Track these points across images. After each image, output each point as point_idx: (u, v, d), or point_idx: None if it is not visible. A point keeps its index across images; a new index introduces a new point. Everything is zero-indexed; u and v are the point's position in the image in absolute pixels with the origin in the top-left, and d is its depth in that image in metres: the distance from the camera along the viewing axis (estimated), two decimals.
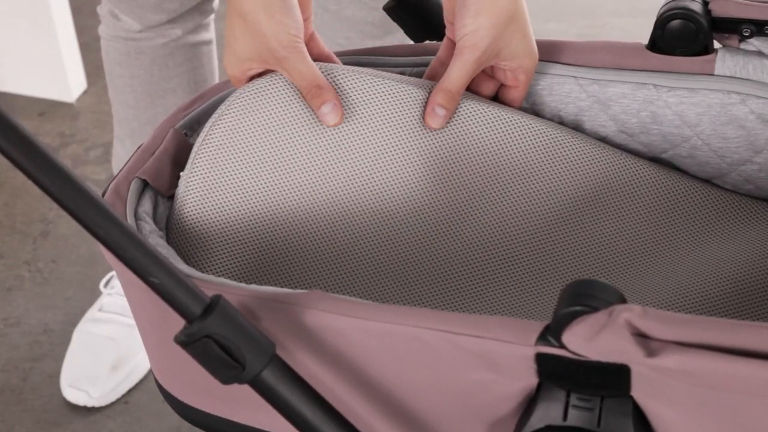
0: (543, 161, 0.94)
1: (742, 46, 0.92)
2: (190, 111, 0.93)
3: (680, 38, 0.92)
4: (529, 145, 0.94)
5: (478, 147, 0.93)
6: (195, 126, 0.92)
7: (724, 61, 0.92)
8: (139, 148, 0.89)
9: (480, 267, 0.92)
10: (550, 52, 0.96)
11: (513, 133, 0.94)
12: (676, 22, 0.91)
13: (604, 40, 0.96)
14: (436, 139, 0.93)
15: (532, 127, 0.94)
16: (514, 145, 0.94)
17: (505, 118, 0.94)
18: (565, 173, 0.94)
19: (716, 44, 0.93)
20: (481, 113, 0.94)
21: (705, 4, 0.92)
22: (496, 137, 0.94)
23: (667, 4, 0.92)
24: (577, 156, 0.95)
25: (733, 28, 0.91)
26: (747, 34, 0.91)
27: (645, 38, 0.95)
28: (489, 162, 0.94)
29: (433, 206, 0.93)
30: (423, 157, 0.93)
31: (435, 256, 0.93)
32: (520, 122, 0.94)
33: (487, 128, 0.94)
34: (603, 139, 0.97)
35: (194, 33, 1.40)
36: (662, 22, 0.92)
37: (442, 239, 0.93)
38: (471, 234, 0.93)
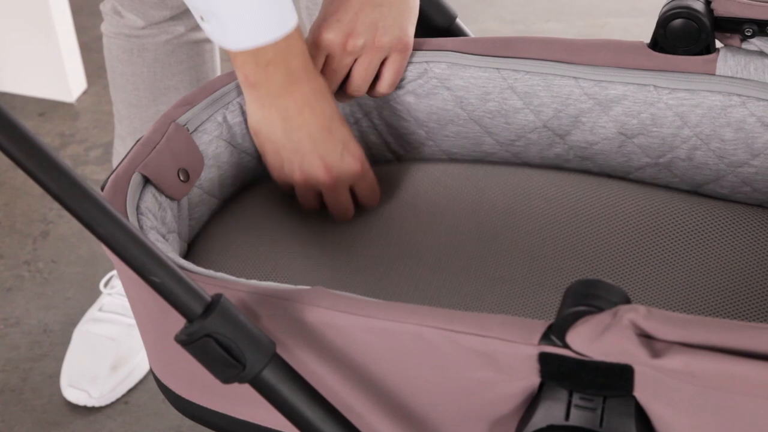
0: (522, 203, 0.97)
1: (744, 45, 0.92)
2: (192, 105, 0.93)
3: (682, 37, 0.92)
4: (508, 191, 0.97)
5: (464, 199, 0.98)
6: (196, 120, 0.92)
7: (726, 60, 0.92)
8: (137, 141, 0.89)
9: (480, 268, 0.92)
10: (550, 50, 0.96)
11: (494, 185, 0.98)
12: (678, 21, 0.91)
13: (605, 39, 0.96)
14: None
15: (513, 174, 0.98)
16: (499, 193, 0.97)
17: (484, 172, 0.98)
18: (543, 204, 0.96)
19: (718, 44, 0.93)
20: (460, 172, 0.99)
21: (707, 3, 0.92)
22: (478, 188, 0.98)
23: (669, 3, 0.92)
24: (555, 190, 0.97)
25: (735, 28, 0.91)
26: (749, 34, 0.91)
27: (645, 38, 0.95)
28: (477, 209, 0.97)
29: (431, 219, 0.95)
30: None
31: (436, 257, 0.93)
32: (502, 173, 0.98)
33: (470, 185, 0.98)
34: (601, 141, 0.96)
35: (197, 30, 1.40)
36: (664, 21, 0.92)
37: (442, 241, 0.94)
38: (470, 238, 0.94)
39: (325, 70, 0.95)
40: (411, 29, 0.96)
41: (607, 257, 0.92)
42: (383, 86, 0.98)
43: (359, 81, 0.96)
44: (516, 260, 0.92)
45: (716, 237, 0.92)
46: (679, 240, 0.92)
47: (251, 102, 0.93)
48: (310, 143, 0.93)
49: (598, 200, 0.95)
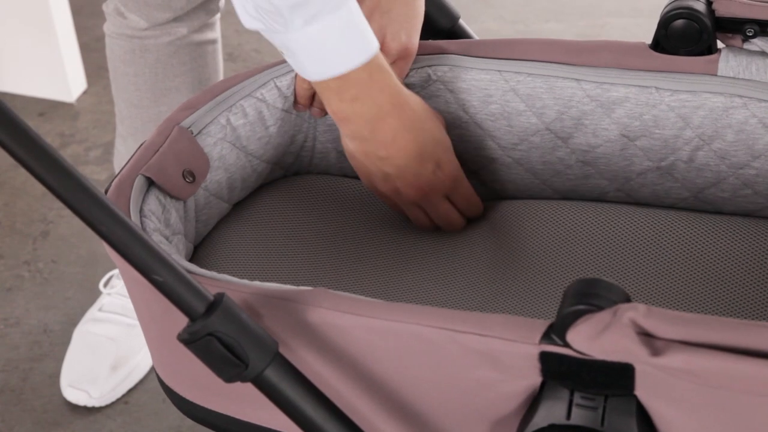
0: (515, 223, 0.98)
1: (746, 46, 0.92)
2: (195, 108, 0.93)
3: (684, 38, 0.91)
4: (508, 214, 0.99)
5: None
6: (200, 123, 0.92)
7: (728, 61, 0.92)
8: (141, 145, 0.89)
9: (484, 283, 0.92)
10: (551, 51, 0.96)
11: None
12: (679, 22, 0.91)
13: (606, 40, 0.96)
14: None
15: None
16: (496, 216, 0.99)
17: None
18: (536, 227, 0.97)
19: (719, 44, 0.93)
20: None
21: (708, 3, 0.92)
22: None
23: (670, 3, 0.92)
24: (546, 210, 0.98)
25: (737, 28, 0.91)
26: (750, 34, 0.91)
27: (645, 38, 0.95)
28: (480, 229, 0.98)
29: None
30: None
31: (433, 260, 0.94)
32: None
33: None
34: (603, 144, 0.96)
35: (199, 32, 1.40)
36: (666, 22, 0.92)
37: (448, 256, 0.94)
38: (475, 253, 0.95)
39: None
40: (416, 36, 0.96)
41: (607, 271, 0.92)
42: None
43: None
44: (518, 276, 0.92)
45: (714, 249, 0.92)
46: (678, 253, 0.92)
47: (344, 134, 0.93)
48: (398, 172, 0.93)
49: (596, 219, 0.96)
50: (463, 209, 0.98)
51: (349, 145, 0.94)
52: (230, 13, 2.44)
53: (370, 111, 0.90)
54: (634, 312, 0.62)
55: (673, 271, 0.91)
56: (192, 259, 0.93)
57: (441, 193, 0.96)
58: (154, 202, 0.85)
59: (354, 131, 0.92)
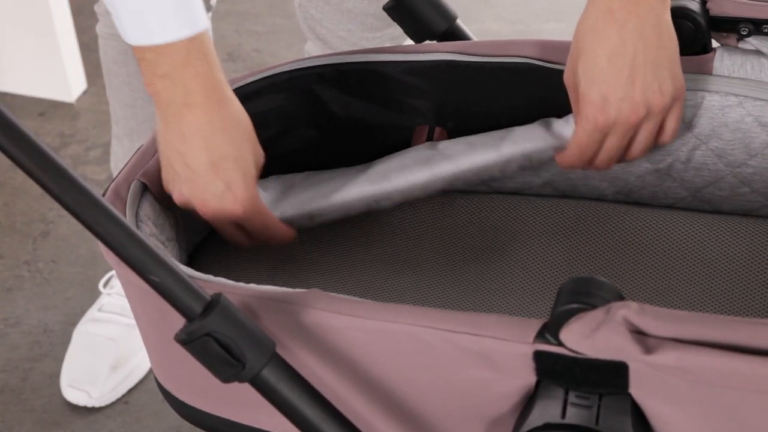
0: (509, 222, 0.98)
1: (741, 45, 0.92)
2: None
3: (679, 37, 0.92)
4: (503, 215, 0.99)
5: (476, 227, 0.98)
6: None
7: (723, 60, 0.92)
8: (138, 149, 0.90)
9: (481, 282, 0.92)
10: (547, 52, 0.96)
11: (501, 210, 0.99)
12: (674, 21, 0.91)
13: None
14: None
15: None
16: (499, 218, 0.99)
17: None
18: (532, 222, 0.97)
19: (714, 43, 0.93)
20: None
21: (703, 3, 0.92)
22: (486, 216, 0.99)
23: None
24: (552, 211, 0.98)
25: (732, 27, 0.91)
26: (745, 33, 0.91)
27: None
28: (478, 228, 0.98)
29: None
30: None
31: (428, 260, 0.94)
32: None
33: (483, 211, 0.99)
34: None
35: None
36: None
37: (444, 255, 0.95)
38: (472, 253, 0.95)
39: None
40: None
41: (605, 269, 0.92)
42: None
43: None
44: (515, 273, 0.92)
45: (712, 248, 0.93)
46: (676, 252, 0.93)
47: (156, 112, 0.88)
48: (191, 174, 0.87)
49: (594, 217, 0.96)
50: (257, 238, 0.92)
51: (157, 125, 0.88)
52: (230, 13, 2.44)
53: (178, 94, 0.84)
54: (627, 310, 0.63)
55: (672, 270, 0.91)
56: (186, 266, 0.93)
57: (227, 220, 0.89)
58: (149, 207, 0.85)
59: (160, 111, 0.86)
